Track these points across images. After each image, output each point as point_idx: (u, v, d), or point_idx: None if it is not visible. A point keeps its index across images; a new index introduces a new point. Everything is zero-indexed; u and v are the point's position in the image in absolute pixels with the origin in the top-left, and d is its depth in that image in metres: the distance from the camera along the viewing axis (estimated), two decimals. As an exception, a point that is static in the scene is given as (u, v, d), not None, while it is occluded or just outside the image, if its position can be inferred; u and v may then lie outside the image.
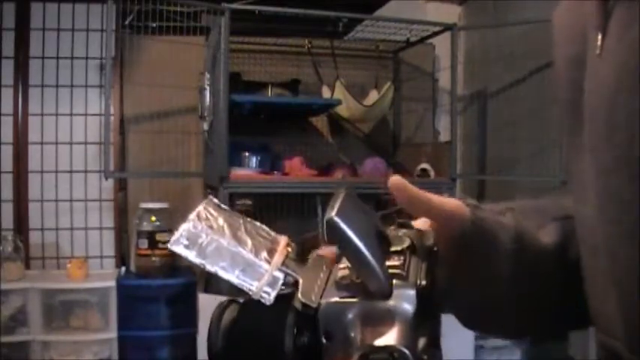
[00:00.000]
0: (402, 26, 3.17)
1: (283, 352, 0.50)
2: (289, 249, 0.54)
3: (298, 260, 0.54)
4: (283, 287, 0.51)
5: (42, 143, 3.08)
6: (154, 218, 2.76)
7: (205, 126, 2.81)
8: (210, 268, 0.52)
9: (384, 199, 3.27)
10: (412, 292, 0.48)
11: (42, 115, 3.08)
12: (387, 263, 0.50)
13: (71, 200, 3.10)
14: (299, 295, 0.50)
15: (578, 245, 0.54)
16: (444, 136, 3.39)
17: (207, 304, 2.63)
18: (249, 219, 0.57)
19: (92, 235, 3.12)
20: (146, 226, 2.75)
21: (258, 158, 2.99)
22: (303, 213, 2.93)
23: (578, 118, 0.50)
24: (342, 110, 3.12)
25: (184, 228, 0.55)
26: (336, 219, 0.47)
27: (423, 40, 3.30)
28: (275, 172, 2.97)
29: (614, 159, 0.44)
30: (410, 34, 3.27)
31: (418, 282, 0.49)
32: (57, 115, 3.10)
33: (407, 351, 0.46)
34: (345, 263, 0.51)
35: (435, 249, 0.55)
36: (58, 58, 3.09)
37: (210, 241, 0.53)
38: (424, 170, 3.09)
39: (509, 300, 0.57)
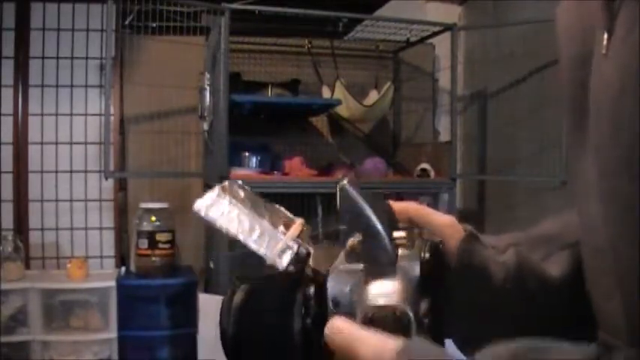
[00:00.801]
0: (402, 26, 3.17)
1: (292, 331, 0.51)
2: (305, 228, 0.57)
3: (314, 239, 0.57)
4: (296, 256, 0.53)
5: (42, 143, 3.08)
6: (154, 218, 2.76)
7: (205, 126, 2.81)
8: (230, 231, 0.55)
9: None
10: (416, 261, 0.51)
11: (42, 115, 3.08)
12: (394, 234, 0.53)
13: (71, 200, 3.10)
14: (310, 262, 0.52)
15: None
16: (444, 136, 3.39)
17: (207, 304, 2.63)
18: (270, 202, 0.61)
19: (92, 235, 3.12)
20: (146, 226, 2.75)
21: (258, 158, 2.99)
22: (303, 213, 2.93)
23: (582, 117, 0.50)
24: (342, 110, 3.12)
25: (209, 194, 0.58)
26: (348, 185, 0.52)
27: (423, 40, 3.30)
28: (275, 172, 2.97)
29: (618, 159, 0.44)
30: (410, 34, 3.27)
31: (422, 255, 0.52)
32: (57, 115, 3.10)
33: (409, 311, 0.48)
34: (355, 237, 0.53)
35: (442, 246, 0.57)
36: (58, 58, 3.09)
37: (231, 209, 0.56)
38: (424, 170, 3.09)
39: (505, 333, 0.57)
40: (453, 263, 0.57)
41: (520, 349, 0.42)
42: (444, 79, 3.39)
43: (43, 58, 3.08)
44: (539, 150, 2.78)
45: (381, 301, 0.49)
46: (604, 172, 0.47)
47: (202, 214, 0.56)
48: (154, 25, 2.66)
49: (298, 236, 0.55)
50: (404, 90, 3.46)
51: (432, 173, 3.06)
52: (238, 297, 0.55)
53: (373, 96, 3.23)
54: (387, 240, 0.51)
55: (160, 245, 2.74)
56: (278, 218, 0.57)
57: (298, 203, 2.86)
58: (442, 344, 0.56)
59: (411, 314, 0.48)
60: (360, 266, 0.51)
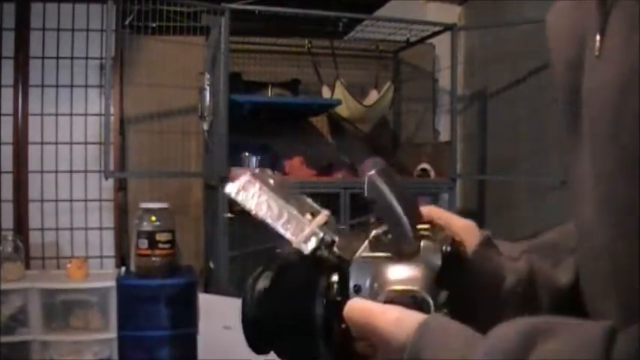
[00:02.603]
0: (402, 26, 3.17)
1: (314, 314, 0.53)
2: (331, 219, 0.59)
3: (339, 230, 0.58)
4: (321, 242, 0.55)
5: (42, 143, 3.08)
6: (154, 218, 2.76)
7: (205, 126, 2.81)
8: (259, 214, 0.57)
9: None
10: (438, 252, 0.52)
11: (42, 115, 3.08)
12: (418, 226, 0.54)
13: (71, 200, 3.10)
14: (335, 248, 0.54)
15: None
16: (444, 136, 3.39)
17: (207, 304, 2.63)
18: (299, 193, 0.63)
19: (92, 235, 3.12)
20: (146, 226, 2.76)
21: (258, 158, 2.99)
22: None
23: (576, 120, 0.50)
24: (342, 110, 3.12)
25: (242, 179, 0.60)
26: (376, 176, 0.53)
27: (423, 40, 3.30)
28: (275, 172, 2.97)
29: (618, 161, 0.44)
30: (410, 34, 3.27)
31: (444, 248, 0.53)
32: (57, 115, 3.10)
33: (429, 297, 0.49)
34: (381, 228, 0.54)
35: (462, 248, 0.58)
36: (58, 58, 3.09)
37: (261, 194, 0.58)
38: (424, 170, 3.09)
39: None
40: (468, 266, 0.57)
41: (531, 329, 0.42)
42: (444, 79, 3.39)
43: (43, 58, 3.08)
44: (539, 150, 2.78)
45: (402, 287, 0.50)
46: (600, 174, 0.46)
47: (233, 195, 0.58)
48: (154, 25, 2.66)
49: (324, 224, 0.57)
50: (404, 90, 3.46)
51: (432, 173, 3.06)
52: (262, 282, 0.56)
53: (373, 96, 3.23)
54: (410, 231, 0.52)
55: (160, 245, 2.74)
56: (306, 207, 0.59)
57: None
58: None
59: (430, 300, 0.49)
60: (383, 254, 0.52)
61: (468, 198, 3.40)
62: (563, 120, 0.54)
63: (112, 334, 2.74)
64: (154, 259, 2.74)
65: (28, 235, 3.03)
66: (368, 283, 0.52)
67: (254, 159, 2.98)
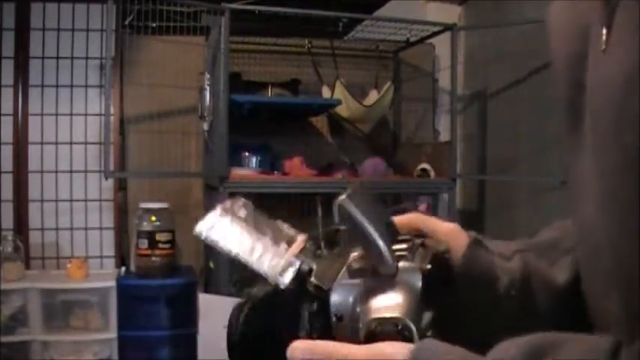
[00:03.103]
0: (402, 26, 3.17)
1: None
2: (307, 244, 0.57)
3: (316, 255, 0.57)
4: (297, 271, 0.53)
5: (42, 143, 3.08)
6: (154, 218, 2.76)
7: (205, 126, 2.81)
8: (231, 252, 0.55)
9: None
10: (417, 272, 0.51)
11: (42, 115, 3.08)
12: (395, 247, 0.53)
13: (71, 200, 3.10)
14: (312, 278, 0.52)
15: None
16: (444, 136, 3.39)
17: (207, 304, 2.63)
18: (274, 219, 0.61)
19: (92, 235, 3.12)
20: (146, 226, 2.76)
21: (258, 158, 2.99)
22: (303, 213, 2.93)
23: (578, 117, 0.50)
24: (342, 110, 3.12)
25: (210, 215, 0.58)
26: (347, 200, 0.52)
27: (423, 40, 3.30)
28: (275, 172, 2.97)
29: (621, 159, 0.43)
30: (410, 34, 3.27)
31: (424, 266, 0.52)
32: (57, 115, 3.10)
33: (411, 323, 0.48)
34: (357, 252, 0.53)
35: (447, 256, 0.56)
36: (58, 58, 3.09)
37: (233, 229, 0.57)
38: (424, 170, 3.09)
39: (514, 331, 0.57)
40: (458, 269, 0.57)
41: (534, 347, 0.42)
42: (444, 79, 3.39)
43: (43, 58, 3.08)
44: (539, 150, 2.78)
45: (383, 315, 0.49)
46: (604, 172, 0.46)
47: (203, 236, 0.57)
48: (154, 25, 2.66)
49: (300, 252, 0.55)
50: (404, 90, 3.46)
51: (432, 173, 3.06)
52: (245, 311, 0.55)
53: (373, 96, 3.23)
54: (387, 253, 0.50)
55: (160, 245, 2.74)
56: (281, 235, 0.58)
57: (298, 203, 2.86)
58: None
59: (412, 327, 0.48)
60: (361, 281, 0.51)
61: (468, 198, 3.40)
62: (565, 117, 0.54)
63: (112, 334, 2.74)
64: (154, 259, 2.74)
65: (28, 235, 3.03)
66: (349, 311, 0.51)
67: (254, 159, 2.98)
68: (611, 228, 0.46)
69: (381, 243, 0.50)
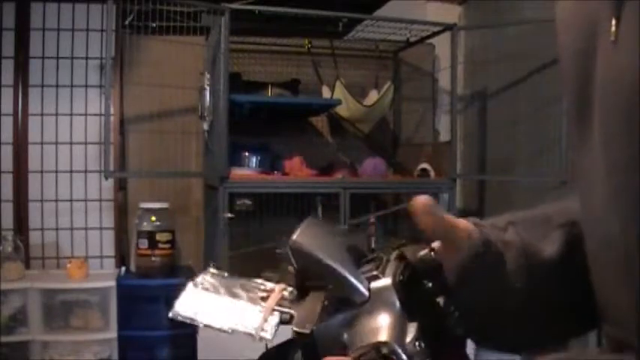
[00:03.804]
0: (402, 26, 3.17)
1: None
2: (285, 292, 0.58)
3: (297, 298, 0.57)
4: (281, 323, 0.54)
5: (42, 143, 3.08)
6: (154, 218, 2.76)
7: (205, 126, 2.81)
8: (211, 325, 0.56)
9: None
10: (390, 290, 0.50)
11: (42, 115, 3.08)
12: (363, 269, 0.53)
13: (71, 200, 3.10)
14: (293, 326, 0.53)
15: (583, 248, 0.54)
16: (444, 136, 3.38)
17: (207, 304, 2.63)
18: (247, 278, 0.61)
19: (92, 235, 3.12)
20: (146, 226, 2.76)
21: (258, 158, 2.99)
22: (303, 213, 2.93)
23: (587, 111, 0.49)
24: (342, 110, 3.12)
25: (182, 295, 0.59)
26: (298, 241, 0.51)
27: (423, 40, 3.30)
28: (275, 172, 2.97)
29: (632, 154, 0.43)
30: (410, 34, 3.27)
31: (397, 279, 0.51)
32: (57, 115, 3.10)
33: (394, 344, 0.47)
34: (327, 290, 0.53)
35: (434, 260, 0.56)
36: (58, 58, 3.09)
37: (206, 302, 0.58)
38: (424, 170, 3.09)
39: (519, 312, 0.57)
40: (480, 252, 0.56)
41: None
42: (444, 79, 3.39)
43: (43, 58, 3.08)
44: (539, 150, 2.77)
45: (366, 342, 0.48)
46: (614, 166, 0.45)
47: (180, 318, 0.57)
48: (154, 25, 2.66)
49: (278, 303, 0.56)
50: (404, 90, 3.46)
51: (432, 173, 3.06)
52: None
53: (373, 96, 3.23)
54: (354, 281, 0.50)
55: (160, 245, 2.74)
56: (256, 292, 0.58)
57: (298, 203, 2.86)
58: (461, 346, 0.56)
59: (395, 347, 0.47)
60: (341, 315, 0.51)
61: (468, 198, 3.40)
62: (572, 112, 0.53)
63: (112, 334, 2.74)
64: (153, 259, 2.74)
65: (28, 235, 3.03)
66: (335, 347, 0.50)
67: (254, 159, 2.98)
68: (621, 220, 0.46)
69: (345, 273, 0.50)
